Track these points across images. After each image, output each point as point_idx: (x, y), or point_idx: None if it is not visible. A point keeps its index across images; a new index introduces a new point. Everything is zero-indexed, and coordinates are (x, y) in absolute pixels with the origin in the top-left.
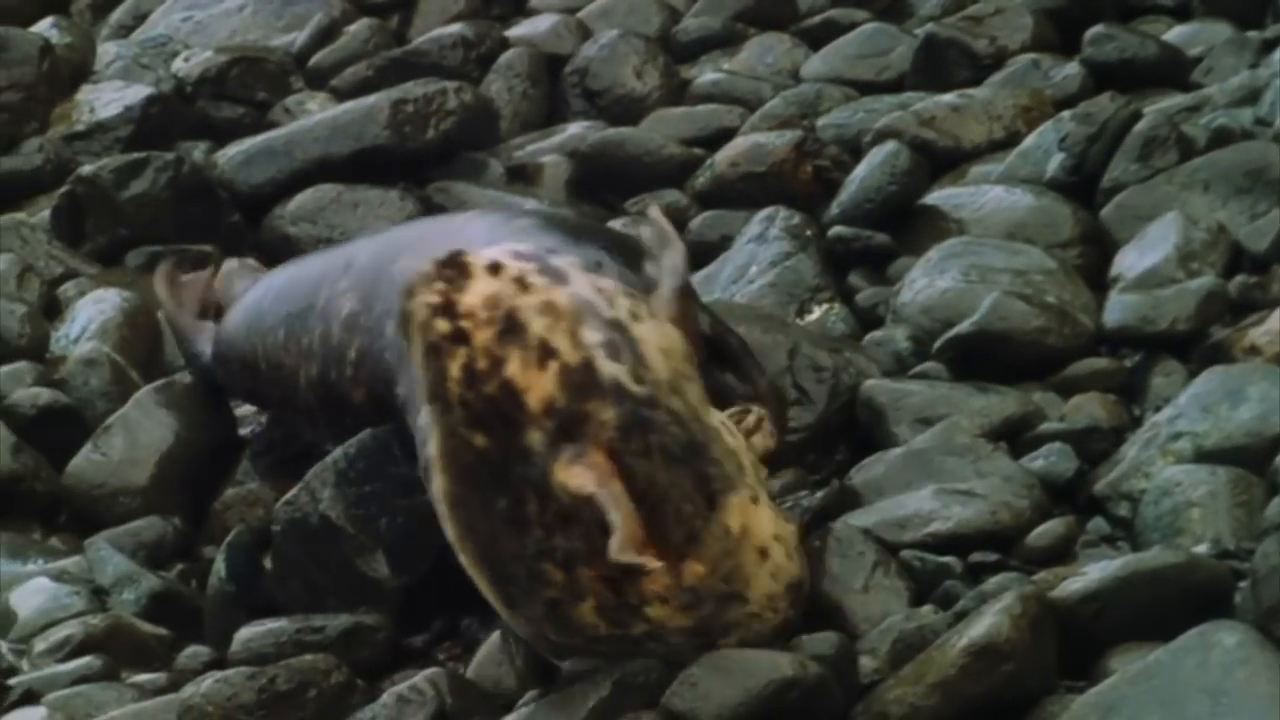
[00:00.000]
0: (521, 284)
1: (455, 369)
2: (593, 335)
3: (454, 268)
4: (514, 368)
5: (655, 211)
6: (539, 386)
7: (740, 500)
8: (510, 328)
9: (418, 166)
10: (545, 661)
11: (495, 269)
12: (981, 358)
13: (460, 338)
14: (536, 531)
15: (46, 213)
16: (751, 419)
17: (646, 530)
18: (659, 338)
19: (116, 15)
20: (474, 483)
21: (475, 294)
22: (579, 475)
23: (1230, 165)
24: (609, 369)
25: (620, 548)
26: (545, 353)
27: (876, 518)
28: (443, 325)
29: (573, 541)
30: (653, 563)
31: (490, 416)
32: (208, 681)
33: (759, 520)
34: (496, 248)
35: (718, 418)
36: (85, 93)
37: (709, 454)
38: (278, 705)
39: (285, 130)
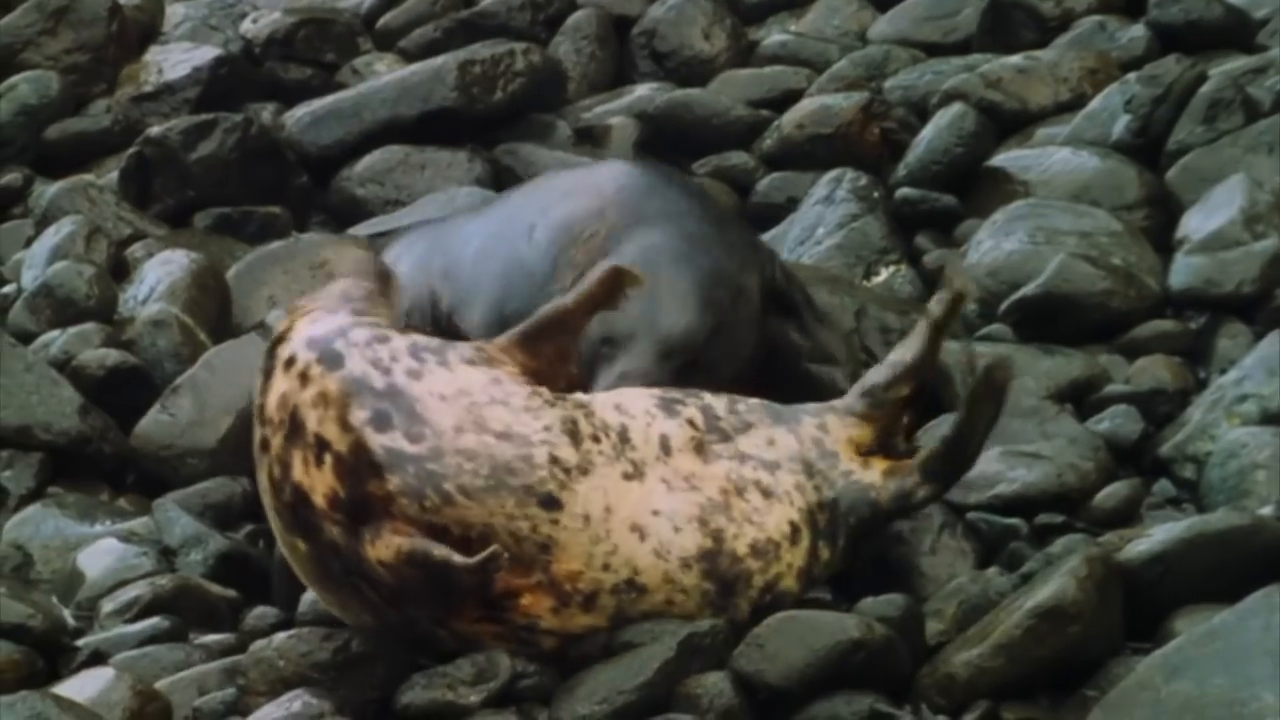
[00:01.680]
0: (303, 378)
1: (264, 479)
2: (360, 414)
3: (270, 358)
4: (299, 470)
5: None
6: (320, 483)
7: (595, 483)
8: (294, 428)
9: (486, 128)
10: None
11: (290, 363)
12: (1047, 320)
13: (265, 445)
14: (390, 613)
15: (114, 174)
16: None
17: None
18: (446, 384)
19: None
20: (319, 581)
21: (273, 394)
22: (384, 547)
23: None
24: (379, 441)
25: (463, 562)
26: (320, 446)
27: None
28: (256, 432)
29: (427, 607)
30: (488, 554)
31: (297, 522)
32: (281, 636)
33: (628, 497)
34: (308, 331)
35: (549, 417)
36: (153, 54)
37: (531, 460)
38: (349, 668)
39: (353, 92)
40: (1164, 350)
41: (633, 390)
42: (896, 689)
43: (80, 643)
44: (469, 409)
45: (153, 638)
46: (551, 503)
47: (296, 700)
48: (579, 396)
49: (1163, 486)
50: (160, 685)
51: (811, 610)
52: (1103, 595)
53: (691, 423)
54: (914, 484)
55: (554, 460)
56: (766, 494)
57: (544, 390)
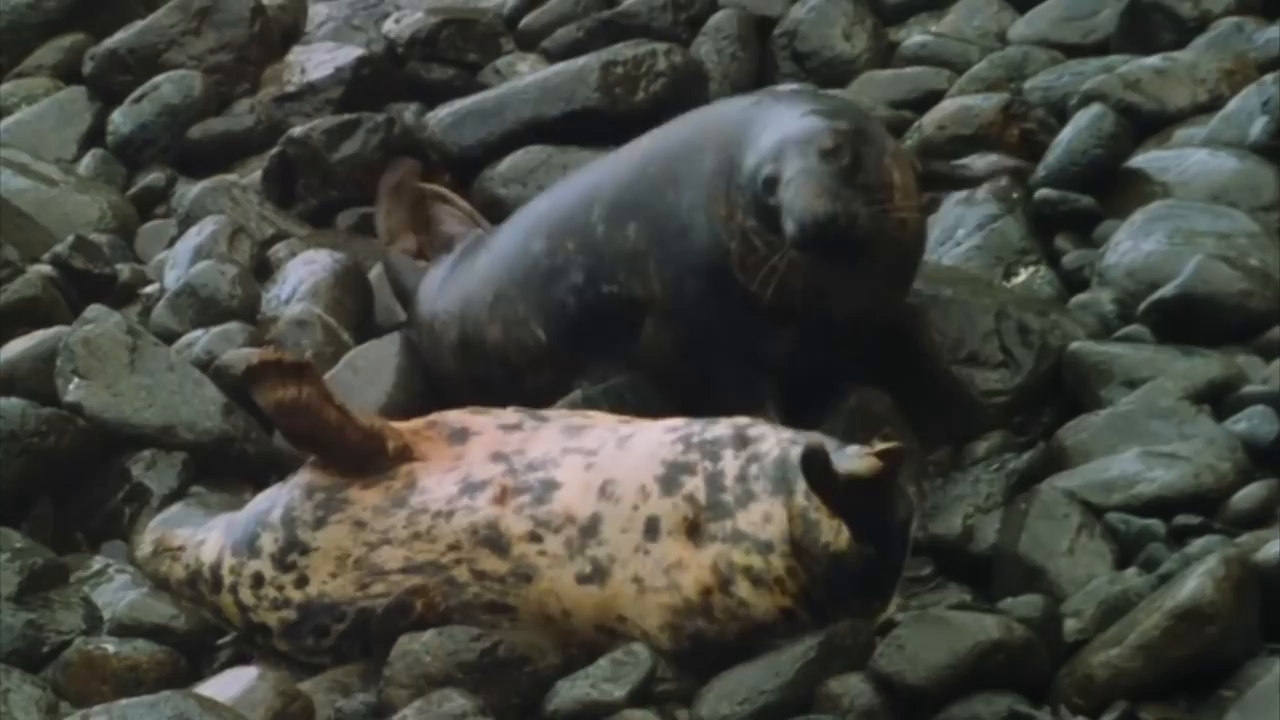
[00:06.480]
0: None
1: None
2: (298, 642)
3: None
4: None
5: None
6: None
7: (545, 588)
8: None
9: (628, 128)
10: None
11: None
12: (1185, 320)
13: None
14: None
15: (257, 174)
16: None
17: None
18: (325, 562)
19: None
20: None
21: None
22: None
23: None
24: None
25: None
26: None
27: (1082, 480)
28: None
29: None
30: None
31: None
32: (429, 633)
33: (586, 602)
34: None
35: (450, 534)
36: (296, 54)
37: (455, 581)
38: (495, 672)
39: (496, 92)
40: None
41: (644, 457)
42: (1035, 689)
43: (221, 642)
44: (356, 566)
45: None
46: (503, 609)
47: (442, 700)
48: (545, 476)
49: None
50: (303, 685)
51: (952, 611)
52: (1240, 596)
53: (690, 498)
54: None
55: (480, 575)
56: (757, 582)
57: (430, 499)
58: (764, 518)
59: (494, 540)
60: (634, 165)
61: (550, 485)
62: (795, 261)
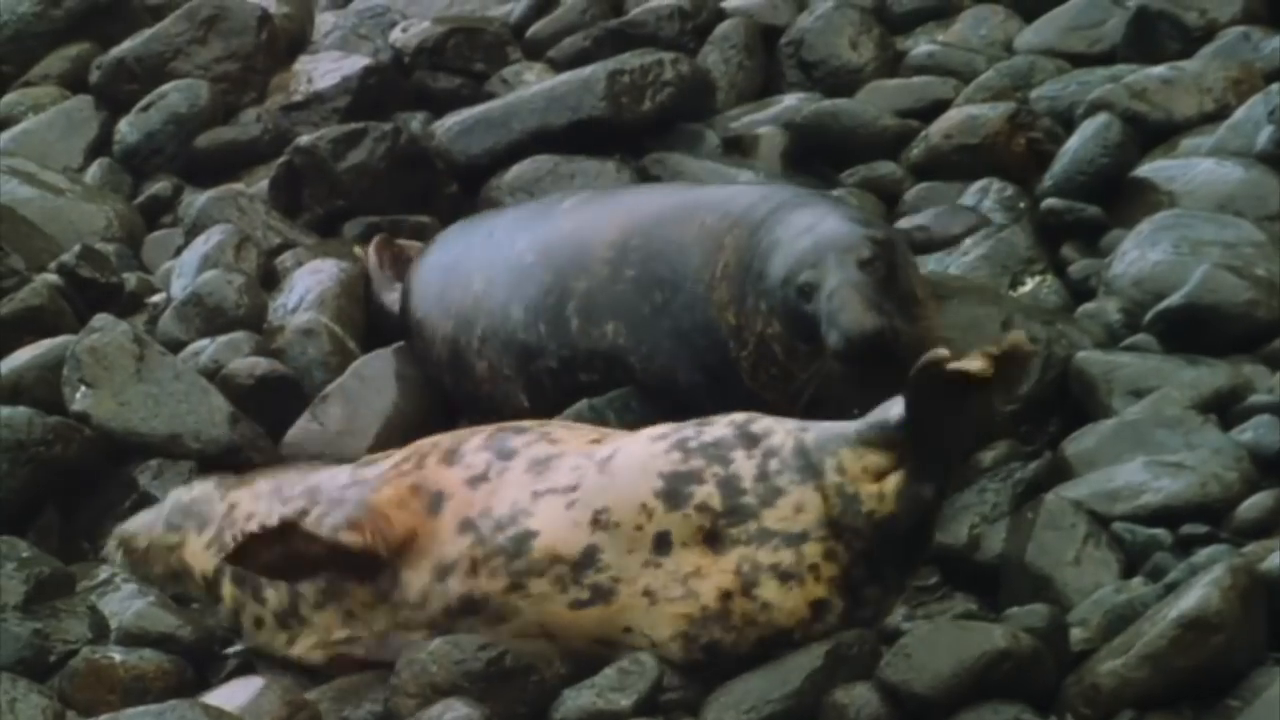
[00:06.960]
0: None
1: None
2: None
3: None
4: None
5: None
6: None
7: (537, 607)
8: None
9: (634, 137)
10: None
11: None
12: (1192, 330)
13: None
14: None
15: (264, 183)
16: None
17: None
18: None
19: None
20: None
21: None
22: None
23: None
24: None
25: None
26: None
27: (1088, 489)
28: None
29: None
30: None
31: None
32: (436, 642)
33: (580, 623)
34: None
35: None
36: (303, 63)
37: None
38: (502, 680)
39: (502, 101)
40: None
41: (635, 474)
42: (1042, 699)
43: (229, 651)
44: (339, 642)
45: None
46: (499, 619)
47: (448, 709)
48: (517, 531)
49: None
50: (310, 695)
51: (958, 620)
52: (1246, 606)
53: (704, 507)
54: (915, 489)
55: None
56: (785, 578)
57: (409, 593)
58: (795, 509)
59: (470, 606)
60: (609, 261)
61: (524, 538)
62: (831, 374)
